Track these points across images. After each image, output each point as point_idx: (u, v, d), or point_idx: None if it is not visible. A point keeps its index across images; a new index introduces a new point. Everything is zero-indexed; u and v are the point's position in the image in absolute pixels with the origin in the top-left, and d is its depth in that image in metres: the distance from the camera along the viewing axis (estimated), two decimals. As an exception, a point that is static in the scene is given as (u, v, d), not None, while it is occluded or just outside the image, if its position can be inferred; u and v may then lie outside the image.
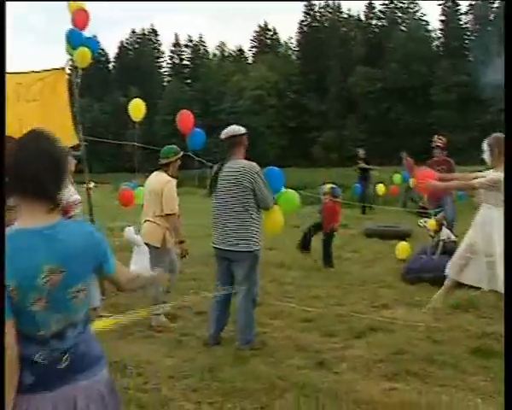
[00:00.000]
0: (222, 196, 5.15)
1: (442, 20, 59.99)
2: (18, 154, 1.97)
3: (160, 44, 74.73)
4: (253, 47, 72.90)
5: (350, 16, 65.42)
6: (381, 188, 16.28)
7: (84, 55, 6.88)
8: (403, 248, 9.30)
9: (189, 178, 28.45)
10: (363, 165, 17.24)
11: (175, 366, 4.75)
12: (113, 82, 68.77)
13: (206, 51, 73.53)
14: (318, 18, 66.86)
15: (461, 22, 59.40)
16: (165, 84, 70.43)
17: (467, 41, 57.99)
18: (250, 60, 71.40)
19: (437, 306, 5.77)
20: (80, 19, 6.82)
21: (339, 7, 65.54)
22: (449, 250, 7.44)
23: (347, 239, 11.44)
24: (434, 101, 52.70)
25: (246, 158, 5.25)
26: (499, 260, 5.42)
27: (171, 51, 73.41)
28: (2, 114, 2.42)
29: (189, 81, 67.99)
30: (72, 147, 7.01)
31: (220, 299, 5.37)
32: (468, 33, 58.69)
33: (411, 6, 61.81)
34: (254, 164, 5.14)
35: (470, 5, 57.94)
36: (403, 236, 11.01)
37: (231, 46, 76.08)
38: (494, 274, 5.45)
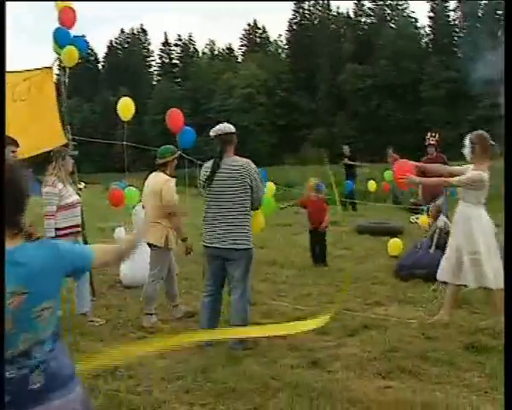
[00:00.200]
0: (221, 194, 5.08)
1: (431, 17, 60.10)
2: None
3: (149, 43, 74.51)
4: (242, 45, 72.81)
5: (339, 14, 65.45)
6: (372, 185, 16.29)
7: (72, 55, 6.79)
8: (395, 244, 9.29)
9: (178, 178, 28.24)
10: (347, 161, 17.30)
11: (167, 367, 4.69)
12: (102, 82, 68.45)
13: (196, 50, 73.34)
14: (308, 16, 66.85)
15: (449, 19, 59.54)
16: (154, 83, 70.19)
17: (455, 38, 58.16)
18: (240, 58, 71.28)
19: (446, 318, 5.69)
20: (67, 17, 6.73)
21: (328, 4, 65.58)
22: (441, 245, 7.41)
23: (339, 236, 11.41)
24: (424, 97, 52.82)
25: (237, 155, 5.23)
26: (485, 257, 5.42)
27: (161, 50, 73.15)
28: (2, 114, 2.42)
29: (178, 80, 67.80)
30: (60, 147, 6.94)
31: (212, 299, 5.36)
32: (457, 30, 58.87)
33: (400, 3, 61.87)
34: (251, 162, 5.12)
35: (459, 2, 58.14)
36: (394, 232, 11.00)
37: (221, 44, 75.81)
38: (480, 271, 5.44)
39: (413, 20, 60.49)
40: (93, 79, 68.33)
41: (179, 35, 72.86)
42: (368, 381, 4.30)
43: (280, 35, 70.28)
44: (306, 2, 66.23)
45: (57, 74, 7.51)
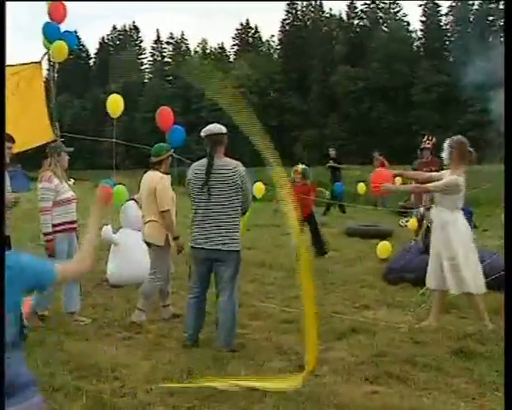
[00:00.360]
0: (211, 196, 5.03)
1: (423, 21, 60.40)
2: None
3: (141, 41, 74.25)
4: (234, 45, 72.75)
5: (332, 15, 65.56)
6: (362, 187, 16.23)
7: (61, 50, 6.72)
8: (384, 247, 9.26)
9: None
10: (333, 164, 17.27)
11: (152, 368, 4.62)
12: (93, 78, 68.14)
13: (188, 48, 73.17)
14: (300, 17, 66.91)
15: (441, 23, 59.85)
16: (146, 81, 69.96)
17: (447, 42, 58.50)
18: (232, 58, 71.19)
19: (434, 324, 5.67)
20: (57, 12, 6.65)
21: (321, 6, 65.67)
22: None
23: (328, 238, 11.36)
24: (415, 100, 53.06)
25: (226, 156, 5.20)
26: (463, 262, 5.43)
27: (153, 48, 72.99)
28: (2, 114, 2.38)
29: (170, 78, 67.61)
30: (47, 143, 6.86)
31: (197, 300, 5.32)
32: (449, 34, 59.19)
33: (393, 6, 62.15)
34: (240, 164, 5.12)
35: (450, 6, 58.43)
36: (384, 235, 11.00)
37: (213, 44, 75.71)
38: (459, 277, 5.45)
39: (405, 23, 60.83)
40: (84, 75, 68.01)
41: (171, 33, 72.81)
42: (355, 386, 4.26)
43: (272, 35, 70.39)
44: (299, 3, 66.31)
45: (47, 70, 7.43)
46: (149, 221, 6.05)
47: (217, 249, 5.02)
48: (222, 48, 72.71)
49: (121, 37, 73.45)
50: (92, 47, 77.90)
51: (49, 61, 7.18)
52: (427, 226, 7.91)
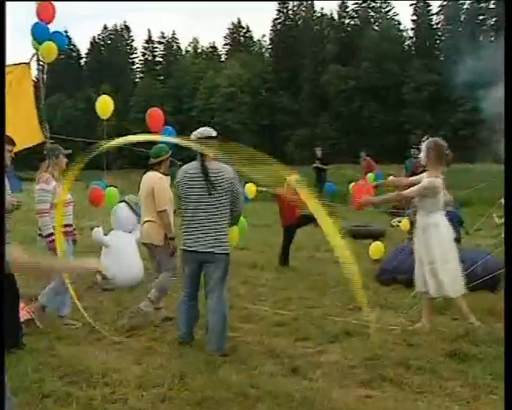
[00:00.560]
0: (201, 198, 5.04)
1: (414, 20, 60.49)
2: None
3: (132, 40, 73.93)
4: (226, 44, 72.62)
5: (323, 15, 65.51)
6: (353, 187, 16.21)
7: (50, 50, 6.65)
8: (376, 248, 9.23)
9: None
10: (318, 164, 17.17)
11: (143, 373, 4.56)
12: (84, 78, 67.78)
13: (179, 48, 72.98)
14: (291, 16, 66.85)
15: (432, 22, 59.98)
16: (137, 80, 69.72)
17: (438, 41, 58.64)
18: (223, 57, 71.10)
19: (427, 325, 5.64)
20: (45, 12, 6.57)
21: (312, 5, 65.59)
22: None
23: (320, 238, 11.32)
24: (406, 100, 53.14)
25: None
26: (440, 266, 5.43)
27: (144, 48, 72.67)
28: (2, 114, 2.35)
29: (161, 78, 67.41)
30: (37, 145, 6.80)
31: (189, 302, 5.33)
32: (440, 33, 59.31)
33: (383, 6, 62.23)
34: (230, 167, 5.11)
35: (441, 6, 58.59)
36: (376, 235, 10.98)
37: (204, 43, 75.61)
38: (438, 281, 5.46)
39: (396, 22, 60.87)
40: (75, 75, 67.65)
41: (162, 32, 72.50)
42: (349, 390, 4.22)
43: (264, 35, 70.26)
44: (290, 3, 66.23)
45: (37, 69, 7.36)
46: (147, 221, 6.11)
47: (206, 252, 5.04)
48: (213, 47, 72.58)
49: (112, 36, 73.10)
50: (83, 47, 77.35)
51: (38, 61, 7.11)
52: None
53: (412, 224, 8.78)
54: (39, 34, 6.57)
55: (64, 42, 7.33)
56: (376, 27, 61.31)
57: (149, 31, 73.82)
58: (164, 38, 72.42)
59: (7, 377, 2.17)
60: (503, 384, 4.17)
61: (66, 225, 5.88)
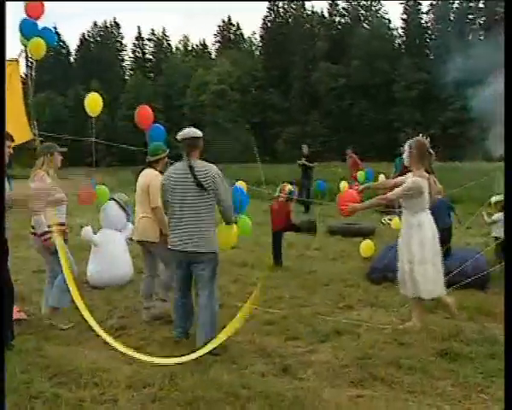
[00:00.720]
0: (187, 198, 5.05)
1: (404, 19, 60.68)
2: None
3: (122, 37, 73.63)
4: (216, 42, 72.50)
5: (313, 13, 65.63)
6: (344, 185, 16.22)
7: (39, 47, 6.57)
8: (367, 246, 9.23)
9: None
10: (303, 161, 17.09)
11: (134, 373, 4.51)
12: (74, 75, 67.38)
13: (170, 45, 72.77)
14: (282, 14, 66.84)
15: (422, 21, 60.19)
16: (127, 78, 69.45)
17: (428, 40, 58.86)
18: (213, 55, 70.98)
19: (418, 324, 5.64)
20: (33, 8, 6.49)
21: (302, 3, 65.64)
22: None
23: (311, 237, 11.31)
24: (396, 98, 53.37)
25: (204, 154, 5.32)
26: (417, 266, 5.43)
27: (134, 45, 72.46)
28: (2, 114, 2.31)
29: (151, 75, 67.20)
30: (26, 142, 6.73)
31: (183, 300, 5.37)
32: (429, 32, 59.54)
33: (374, 4, 62.39)
34: (215, 166, 5.14)
35: (431, 5, 58.80)
36: (366, 233, 10.99)
37: (195, 40, 75.43)
38: (414, 280, 5.47)
39: (386, 21, 61.05)
40: (65, 71, 67.28)
41: (153, 30, 72.33)
42: (340, 389, 4.20)
43: (254, 32, 70.40)
44: (281, 1, 66.22)
45: (26, 66, 7.29)
46: (142, 217, 6.12)
47: (192, 251, 5.06)
48: (203, 45, 72.47)
49: (102, 33, 72.72)
50: (73, 43, 76.95)
51: (27, 58, 7.03)
52: None
53: None
54: (27, 30, 6.49)
55: (53, 38, 7.25)
56: (367, 25, 61.48)
57: (139, 28, 73.72)
58: (154, 35, 72.24)
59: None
60: (493, 384, 4.19)
61: (60, 224, 5.83)
